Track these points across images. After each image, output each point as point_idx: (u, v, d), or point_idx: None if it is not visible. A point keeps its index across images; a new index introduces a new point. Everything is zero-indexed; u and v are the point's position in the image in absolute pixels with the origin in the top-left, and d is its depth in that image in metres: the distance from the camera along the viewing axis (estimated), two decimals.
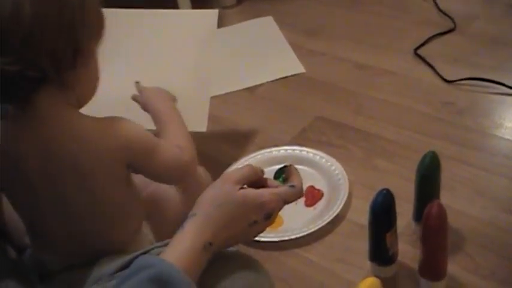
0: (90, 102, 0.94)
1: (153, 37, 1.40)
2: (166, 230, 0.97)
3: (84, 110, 0.92)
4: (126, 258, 0.92)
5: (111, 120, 0.91)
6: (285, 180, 1.01)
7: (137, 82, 1.17)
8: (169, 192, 1.16)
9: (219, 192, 0.90)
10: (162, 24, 1.42)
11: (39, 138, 0.87)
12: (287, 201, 0.94)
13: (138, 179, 0.99)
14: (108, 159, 0.89)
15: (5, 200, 0.97)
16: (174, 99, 1.17)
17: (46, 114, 0.87)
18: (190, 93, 1.29)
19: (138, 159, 0.93)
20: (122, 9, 1.39)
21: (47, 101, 0.86)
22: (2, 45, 0.80)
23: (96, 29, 0.90)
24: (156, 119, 1.09)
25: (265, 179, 0.97)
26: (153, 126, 1.08)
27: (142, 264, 0.82)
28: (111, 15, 1.09)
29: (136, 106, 1.15)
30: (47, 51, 0.82)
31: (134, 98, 1.17)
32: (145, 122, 1.02)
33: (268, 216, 0.90)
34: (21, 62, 0.81)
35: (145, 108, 1.13)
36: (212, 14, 1.41)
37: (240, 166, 1.40)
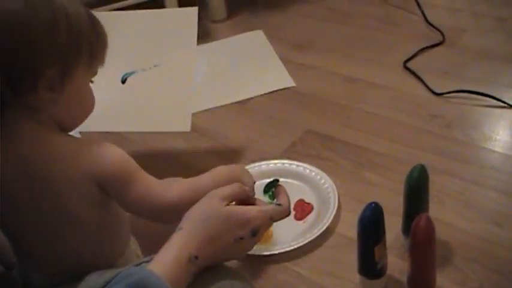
0: None
1: (134, 37, 1.40)
2: (154, 245, 0.97)
3: None
4: (114, 272, 0.91)
5: (88, 142, 0.89)
6: (273, 196, 1.01)
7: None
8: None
9: (206, 208, 0.91)
10: (142, 24, 1.41)
11: (14, 158, 0.86)
12: (273, 219, 0.94)
13: None
14: (79, 181, 0.87)
15: None
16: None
17: (16, 134, 0.86)
18: (173, 92, 1.28)
19: (111, 185, 0.89)
20: (101, 12, 1.39)
21: (16, 122, 0.85)
22: None
23: (79, 51, 0.86)
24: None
25: (254, 198, 0.97)
26: (131, 129, 1.04)
27: (123, 274, 0.82)
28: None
29: (115, 109, 1.13)
30: (3, 73, 0.80)
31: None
32: (123, 124, 0.99)
33: (254, 233, 0.91)
34: None
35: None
36: (192, 11, 1.40)
37: None
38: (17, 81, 0.82)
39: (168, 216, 0.94)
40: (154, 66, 1.34)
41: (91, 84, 0.93)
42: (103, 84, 1.28)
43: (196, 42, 1.38)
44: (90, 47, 0.88)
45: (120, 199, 0.92)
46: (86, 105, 0.92)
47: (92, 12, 0.90)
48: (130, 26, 1.38)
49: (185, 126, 1.35)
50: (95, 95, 0.93)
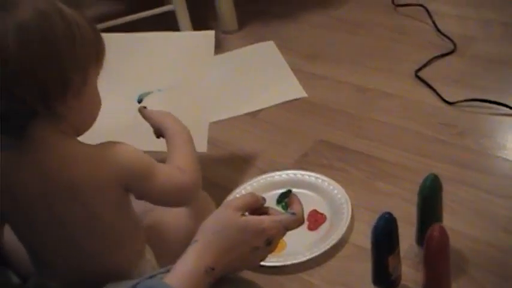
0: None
1: (151, 58, 1.41)
2: (169, 256, 0.98)
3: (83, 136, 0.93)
4: (129, 283, 0.92)
5: (107, 145, 0.92)
6: (287, 206, 1.02)
7: (144, 107, 1.14)
8: (171, 218, 1.17)
9: (220, 219, 0.92)
10: (159, 46, 1.43)
11: (36, 167, 0.88)
12: (288, 228, 0.95)
13: (140, 207, 1.00)
14: (105, 184, 0.90)
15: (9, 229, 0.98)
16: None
17: (41, 144, 0.88)
18: (189, 113, 1.29)
19: (135, 182, 0.93)
20: (119, 33, 1.41)
21: (41, 132, 0.87)
22: None
23: (91, 56, 0.90)
24: (169, 140, 1.06)
25: (267, 208, 0.98)
26: (152, 148, 1.08)
27: (142, 287, 0.83)
28: (107, 39, 1.10)
29: (133, 129, 1.15)
30: (35, 86, 0.82)
31: (146, 117, 1.12)
32: (143, 144, 1.02)
33: (269, 242, 0.91)
34: (9, 99, 0.81)
35: (158, 128, 1.09)
36: (209, 35, 1.42)
37: (243, 191, 1.42)
38: (50, 92, 0.84)
39: (192, 195, 1.00)
40: (171, 87, 1.35)
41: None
42: (120, 104, 1.30)
43: (212, 65, 1.39)
44: (96, 51, 0.92)
45: (147, 194, 0.95)
46: (97, 106, 0.95)
47: (86, 16, 0.92)
48: (147, 47, 1.40)
49: (201, 147, 1.36)
50: (111, 114, 0.96)
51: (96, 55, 0.91)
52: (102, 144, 0.92)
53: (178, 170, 0.98)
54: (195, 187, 1.00)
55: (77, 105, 0.88)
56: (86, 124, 0.95)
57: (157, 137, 1.10)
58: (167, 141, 1.06)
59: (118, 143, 0.92)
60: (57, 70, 0.84)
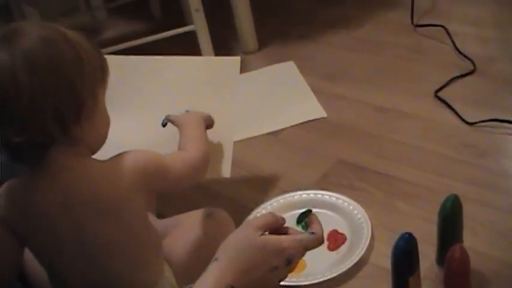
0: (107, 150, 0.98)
1: (176, 82, 1.43)
2: (187, 274, 0.99)
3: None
4: None
5: (118, 156, 0.94)
6: (307, 226, 1.03)
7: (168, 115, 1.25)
8: (191, 237, 1.18)
9: (241, 238, 0.92)
10: (185, 70, 1.44)
11: (56, 190, 0.90)
12: (308, 248, 0.95)
13: (159, 225, 1.02)
14: (129, 192, 0.92)
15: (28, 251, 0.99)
16: (208, 118, 1.25)
17: (59, 167, 0.89)
18: (213, 139, 1.31)
19: (155, 178, 0.97)
20: (146, 56, 1.42)
21: (58, 155, 0.89)
22: (5, 115, 0.82)
23: (98, 76, 0.92)
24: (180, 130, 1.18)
25: (287, 228, 0.98)
26: None
27: None
28: (131, 62, 1.12)
29: (154, 149, 1.18)
30: (50, 114, 0.84)
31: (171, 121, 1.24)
32: None
33: (289, 262, 0.92)
34: (27, 131, 0.83)
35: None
36: (234, 61, 1.44)
37: (263, 211, 1.42)
38: (65, 118, 0.86)
39: (202, 165, 1.11)
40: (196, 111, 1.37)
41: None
42: (145, 127, 1.31)
43: (238, 91, 1.41)
44: (101, 68, 0.94)
45: (168, 184, 1.02)
46: (107, 124, 0.98)
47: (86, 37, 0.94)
48: (173, 71, 1.42)
49: (225, 172, 1.37)
50: (136, 137, 0.98)
51: (102, 74, 0.93)
52: (113, 157, 0.94)
53: (182, 152, 1.08)
54: (202, 157, 1.11)
55: (89, 126, 0.90)
56: (99, 142, 0.97)
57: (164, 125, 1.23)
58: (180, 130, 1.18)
59: (127, 151, 0.95)
60: (69, 95, 0.85)
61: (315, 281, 1.26)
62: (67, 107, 0.85)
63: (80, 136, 0.89)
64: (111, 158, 0.94)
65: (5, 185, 0.93)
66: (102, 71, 0.94)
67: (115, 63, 1.04)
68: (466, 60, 1.97)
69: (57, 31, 0.87)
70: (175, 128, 1.21)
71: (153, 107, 1.37)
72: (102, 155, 0.98)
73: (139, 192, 0.94)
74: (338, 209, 1.44)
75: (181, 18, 2.42)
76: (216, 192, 1.59)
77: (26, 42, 0.83)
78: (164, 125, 1.26)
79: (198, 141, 1.13)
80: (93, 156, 0.96)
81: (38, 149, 0.87)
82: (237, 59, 1.43)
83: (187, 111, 1.25)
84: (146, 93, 1.41)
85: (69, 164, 0.90)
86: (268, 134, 1.81)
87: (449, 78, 1.88)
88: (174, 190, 1.07)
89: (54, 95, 0.84)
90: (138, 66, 1.41)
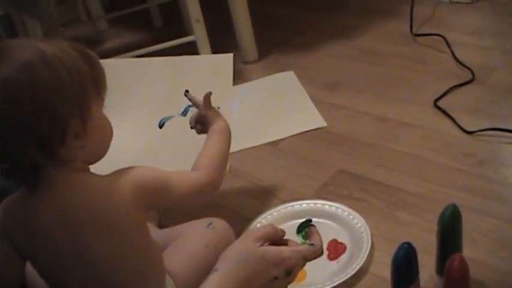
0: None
1: (170, 82, 1.42)
2: (187, 285, 0.99)
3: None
4: None
5: (119, 172, 0.93)
6: (306, 236, 1.03)
7: (187, 91, 1.20)
8: (190, 248, 1.18)
9: (240, 249, 0.93)
10: (178, 70, 1.44)
11: (55, 207, 0.89)
12: (307, 259, 0.96)
13: (159, 236, 1.02)
14: (129, 209, 0.91)
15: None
16: None
17: (56, 184, 0.88)
18: None
19: (155, 196, 0.94)
20: (138, 58, 1.43)
21: (54, 173, 0.88)
22: None
23: (87, 92, 0.88)
24: (208, 135, 1.13)
25: (286, 240, 0.99)
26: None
27: None
28: (127, 64, 1.11)
29: (155, 152, 1.17)
30: (32, 142, 0.82)
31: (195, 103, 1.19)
32: (165, 167, 1.03)
33: (289, 272, 0.92)
34: (9, 159, 0.82)
35: (204, 118, 1.15)
36: (227, 57, 1.43)
37: (263, 221, 1.43)
38: (47, 144, 0.84)
39: (209, 189, 1.04)
40: (192, 111, 1.37)
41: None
42: (141, 129, 1.31)
43: (232, 88, 1.40)
44: (93, 81, 0.90)
45: (169, 202, 0.99)
46: (107, 134, 0.96)
47: (79, 44, 0.91)
48: (166, 72, 1.41)
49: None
50: (133, 139, 0.97)
51: (94, 85, 0.90)
52: (114, 172, 0.93)
53: (191, 171, 1.02)
54: (211, 182, 1.03)
55: (80, 144, 0.88)
56: (100, 153, 0.96)
57: (194, 125, 1.16)
58: (207, 136, 1.12)
59: (129, 167, 0.94)
60: (50, 120, 0.83)
61: None
62: (49, 132, 0.83)
63: (71, 156, 0.87)
64: (112, 174, 0.93)
65: (5, 200, 0.93)
66: (95, 82, 0.90)
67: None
68: (465, 69, 1.98)
69: (36, 51, 0.84)
70: (171, 130, 1.20)
71: (150, 107, 1.36)
72: (97, 166, 0.96)
73: (139, 209, 0.92)
74: (338, 219, 1.44)
75: (182, 28, 2.44)
76: (216, 202, 1.59)
77: (6, 69, 0.81)
78: (161, 126, 1.25)
79: (216, 162, 1.07)
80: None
81: (29, 172, 0.86)
82: (229, 56, 1.43)
83: (186, 91, 1.22)
84: (142, 94, 1.40)
85: (66, 181, 0.89)
86: (268, 143, 1.82)
87: (448, 88, 1.89)
88: (177, 208, 1.04)
89: (33, 123, 0.82)
90: (132, 68, 1.40)
